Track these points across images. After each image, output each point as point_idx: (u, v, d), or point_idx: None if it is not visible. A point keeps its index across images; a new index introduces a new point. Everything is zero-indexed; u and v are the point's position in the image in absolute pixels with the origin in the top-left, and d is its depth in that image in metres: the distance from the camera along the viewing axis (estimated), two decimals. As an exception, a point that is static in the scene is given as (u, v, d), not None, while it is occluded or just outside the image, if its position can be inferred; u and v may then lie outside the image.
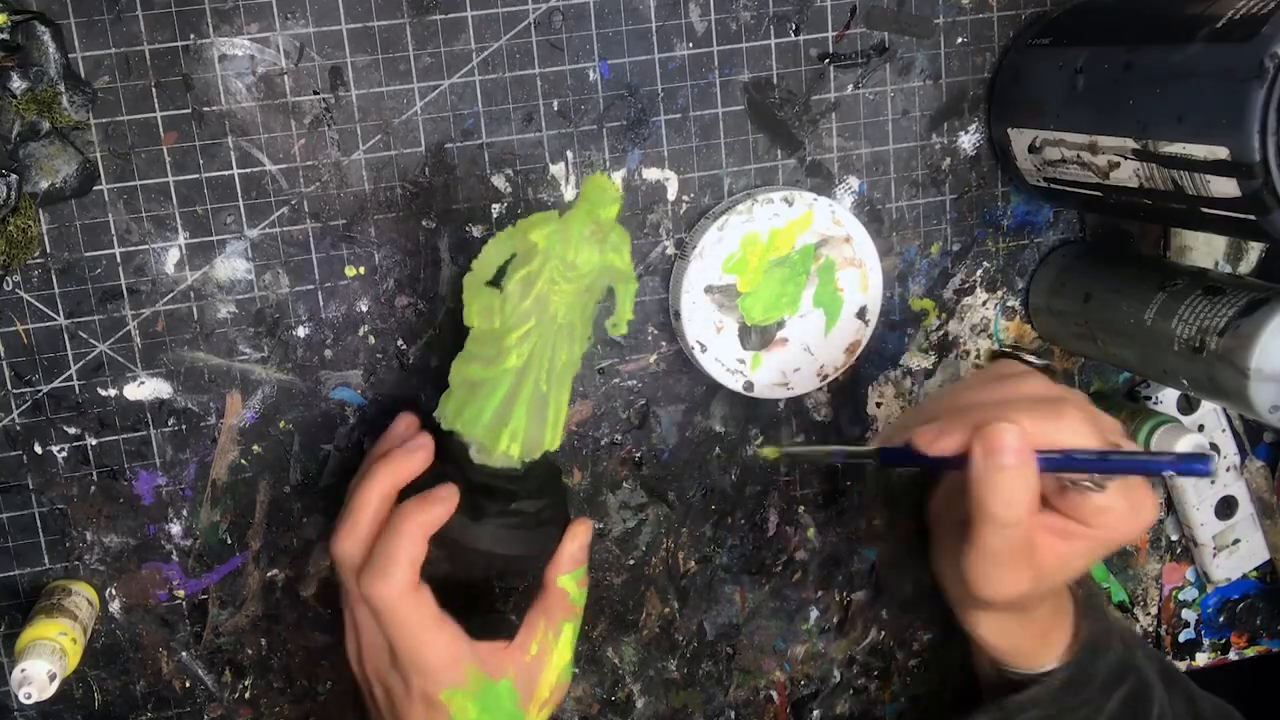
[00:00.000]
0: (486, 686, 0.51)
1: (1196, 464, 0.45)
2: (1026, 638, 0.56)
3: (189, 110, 0.54)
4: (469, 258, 0.59)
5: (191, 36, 0.54)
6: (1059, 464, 0.46)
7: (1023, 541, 0.48)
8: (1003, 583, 0.49)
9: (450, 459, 0.52)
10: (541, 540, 0.53)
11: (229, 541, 0.60)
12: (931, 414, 0.50)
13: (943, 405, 0.51)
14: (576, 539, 0.54)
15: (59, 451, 0.57)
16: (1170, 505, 0.73)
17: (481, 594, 0.59)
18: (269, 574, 0.61)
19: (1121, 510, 0.48)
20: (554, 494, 0.54)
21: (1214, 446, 0.65)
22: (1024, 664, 0.57)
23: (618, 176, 0.60)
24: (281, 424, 0.59)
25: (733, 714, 0.70)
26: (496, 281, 0.51)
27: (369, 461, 0.53)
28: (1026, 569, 0.49)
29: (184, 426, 0.58)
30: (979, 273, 0.66)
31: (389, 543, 0.48)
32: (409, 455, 0.51)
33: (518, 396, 0.51)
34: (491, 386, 0.51)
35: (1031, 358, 0.52)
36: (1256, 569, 0.75)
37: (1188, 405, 0.69)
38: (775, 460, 0.53)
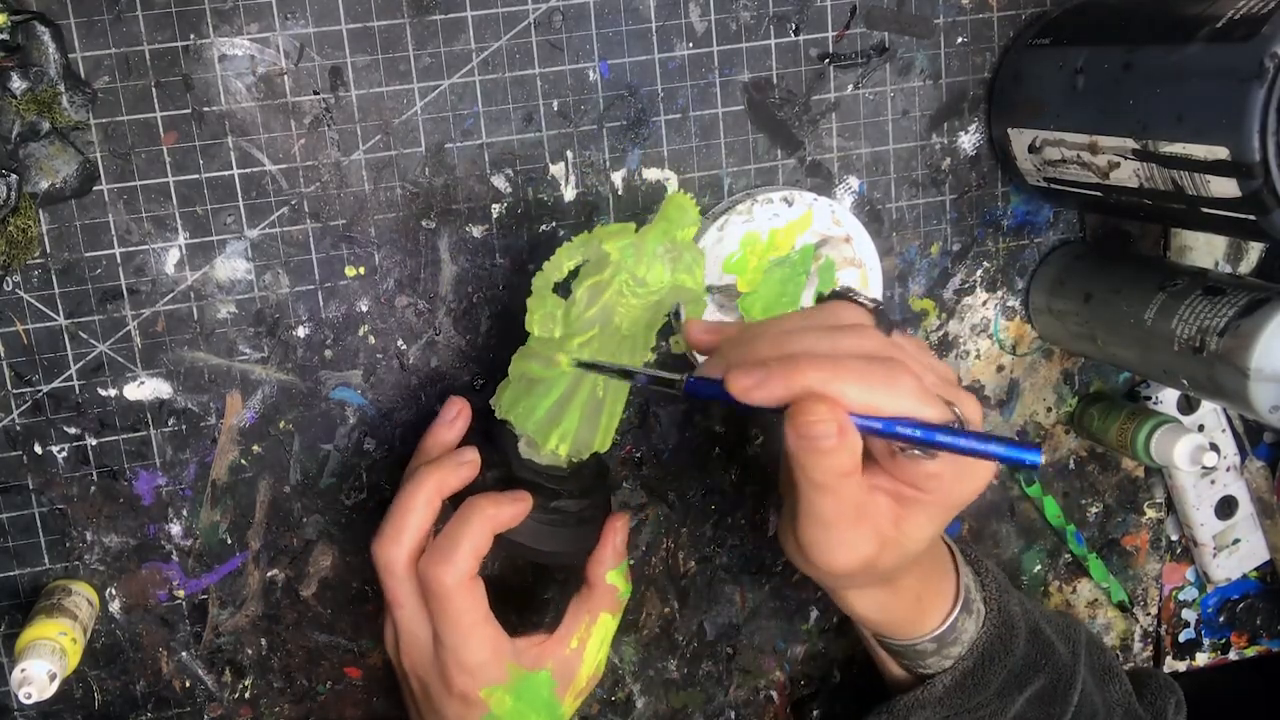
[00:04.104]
0: (525, 679, 0.51)
1: (1026, 453, 0.42)
2: (900, 607, 0.54)
3: (189, 110, 0.54)
4: (469, 258, 0.59)
5: (191, 36, 0.54)
6: (881, 433, 0.43)
7: (853, 505, 0.45)
8: (840, 548, 0.46)
9: (499, 447, 0.52)
10: (581, 539, 0.53)
11: (229, 541, 0.60)
12: (751, 351, 0.45)
13: (764, 344, 0.45)
14: (618, 533, 0.54)
15: (59, 451, 0.57)
16: (1170, 505, 0.73)
17: (519, 587, 0.60)
18: (269, 574, 0.61)
19: (952, 475, 0.46)
20: (598, 494, 0.54)
21: (1214, 446, 0.65)
22: (903, 634, 0.55)
23: (617, 177, 0.60)
24: (281, 424, 0.59)
25: (733, 714, 0.70)
26: (565, 287, 0.51)
27: (417, 458, 0.54)
28: (865, 533, 0.46)
29: (184, 426, 0.58)
30: (979, 273, 0.66)
31: (456, 531, 0.49)
32: (457, 468, 0.51)
33: (573, 399, 0.51)
34: (548, 386, 0.51)
35: (864, 299, 0.48)
36: (1256, 569, 0.75)
37: (1188, 405, 0.69)
38: (574, 369, 0.50)
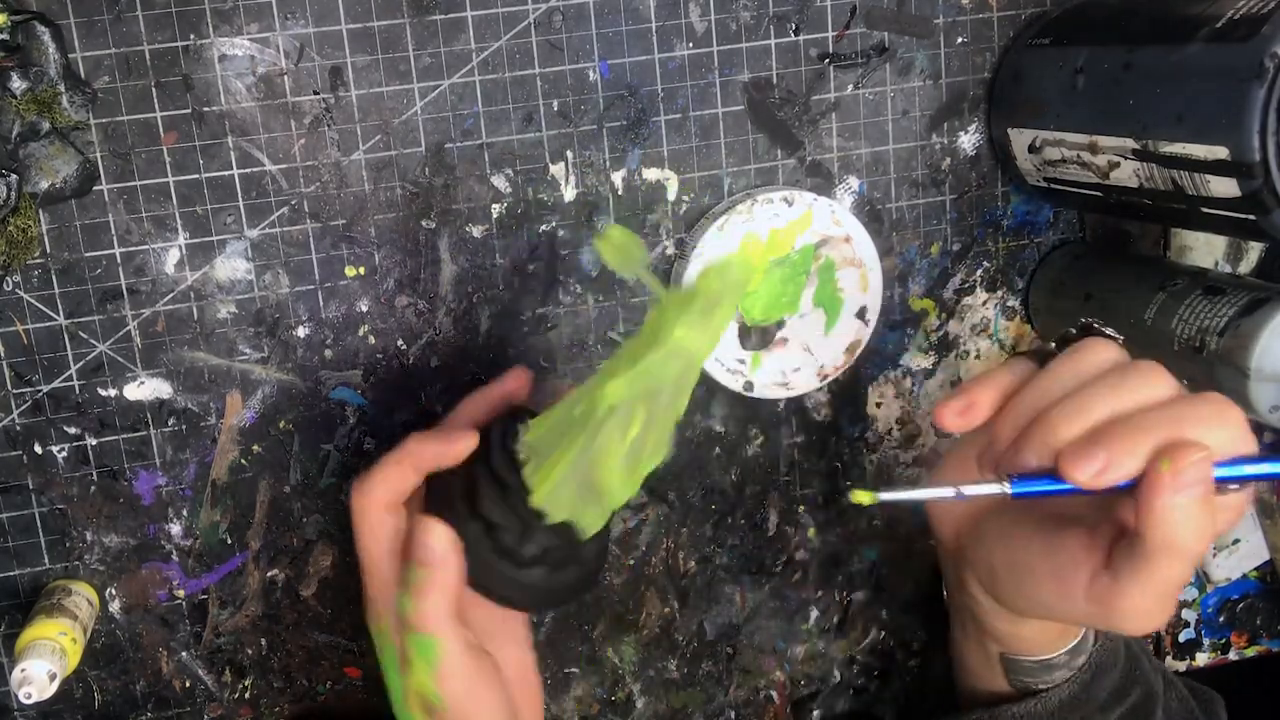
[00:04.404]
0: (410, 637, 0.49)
1: None
2: (1046, 634, 0.53)
3: (189, 110, 0.54)
4: (469, 258, 0.59)
5: (191, 36, 0.54)
6: (1237, 478, 0.41)
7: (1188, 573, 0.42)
8: (1158, 616, 0.43)
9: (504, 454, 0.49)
10: (538, 596, 0.50)
11: (229, 541, 0.60)
12: (1054, 429, 0.42)
13: (1062, 416, 0.42)
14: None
15: (59, 451, 0.57)
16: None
17: None
18: (269, 574, 0.61)
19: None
20: (574, 552, 0.49)
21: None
22: (1041, 651, 0.54)
23: (617, 177, 0.60)
24: (281, 424, 0.59)
25: (733, 714, 0.70)
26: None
27: (451, 419, 0.53)
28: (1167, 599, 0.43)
29: (184, 426, 0.58)
30: (979, 273, 0.66)
31: (385, 457, 0.49)
32: (442, 441, 0.49)
33: (575, 470, 0.46)
34: (570, 440, 0.46)
35: (1111, 331, 0.46)
36: (1256, 569, 0.75)
37: (1188, 405, 0.69)
38: (869, 504, 0.46)
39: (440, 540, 0.47)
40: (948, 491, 0.44)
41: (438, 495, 0.49)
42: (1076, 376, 0.44)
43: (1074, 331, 0.47)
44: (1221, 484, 0.41)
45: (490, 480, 0.48)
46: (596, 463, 0.45)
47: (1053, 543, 0.46)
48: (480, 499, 0.48)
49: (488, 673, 0.49)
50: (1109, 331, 0.46)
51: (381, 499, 0.49)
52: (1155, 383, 0.43)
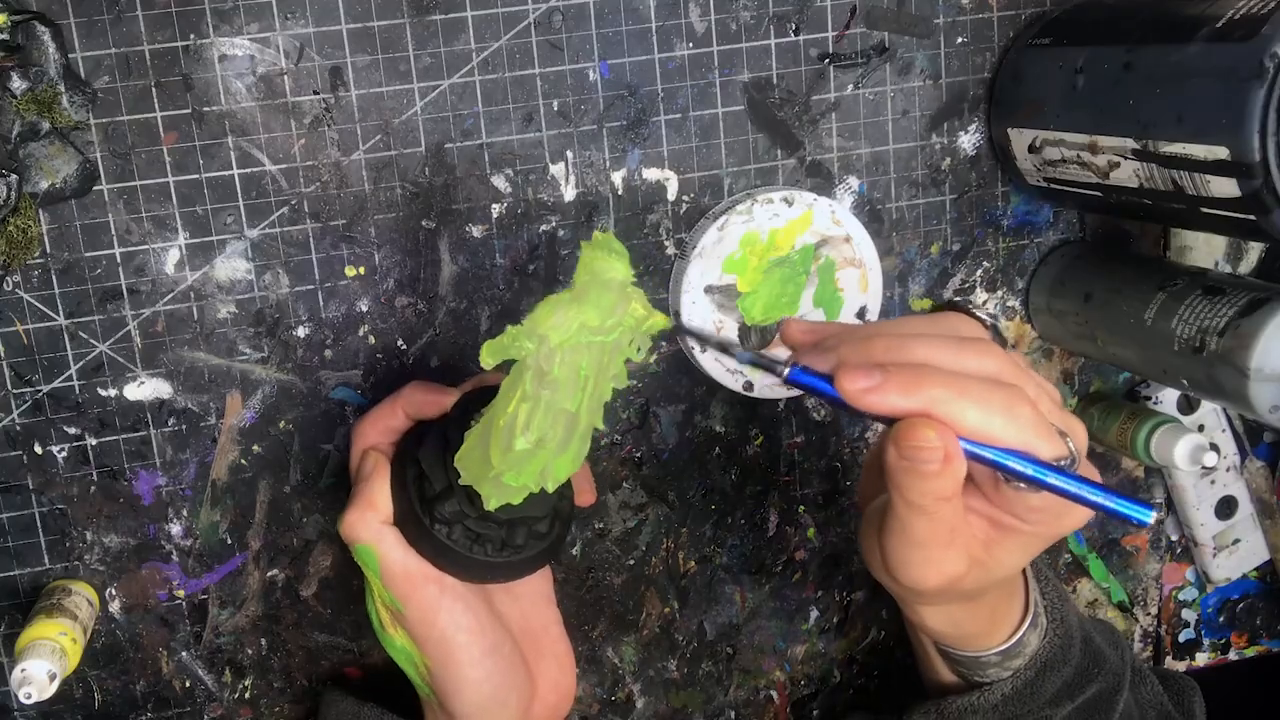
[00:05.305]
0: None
1: (1138, 509, 0.40)
2: (974, 623, 0.53)
3: (189, 110, 0.54)
4: (469, 258, 0.59)
5: (191, 36, 0.54)
6: (990, 464, 0.41)
7: (947, 527, 0.43)
8: (928, 566, 0.44)
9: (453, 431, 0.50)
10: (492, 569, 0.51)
11: (229, 541, 0.60)
12: (866, 350, 0.43)
13: (880, 345, 0.43)
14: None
15: (59, 451, 0.57)
16: (1170, 505, 0.73)
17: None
18: (269, 574, 0.61)
19: (1055, 510, 0.44)
20: (489, 528, 0.50)
21: (1214, 446, 0.65)
22: (970, 647, 0.54)
23: (617, 177, 0.60)
24: (281, 424, 0.59)
25: (733, 714, 0.70)
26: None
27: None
28: (955, 554, 0.44)
29: (184, 426, 0.58)
30: (979, 273, 0.66)
31: (385, 398, 0.53)
32: (438, 391, 0.52)
33: (480, 439, 0.47)
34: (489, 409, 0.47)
35: (983, 314, 0.45)
36: (1256, 569, 0.75)
37: (1188, 405, 0.69)
38: (671, 331, 0.46)
39: (368, 461, 0.52)
40: (739, 350, 0.45)
41: (406, 437, 0.52)
42: (919, 328, 0.44)
43: (952, 303, 0.47)
44: (991, 466, 0.41)
45: (439, 434, 0.50)
46: (488, 435, 0.46)
47: (885, 507, 0.46)
48: (424, 447, 0.50)
49: (449, 585, 0.50)
50: (979, 314, 0.45)
51: (370, 432, 0.53)
52: (983, 358, 0.43)
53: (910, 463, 0.41)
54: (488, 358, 0.44)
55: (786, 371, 0.44)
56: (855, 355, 0.43)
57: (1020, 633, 0.54)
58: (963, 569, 0.45)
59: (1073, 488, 0.41)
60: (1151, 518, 0.40)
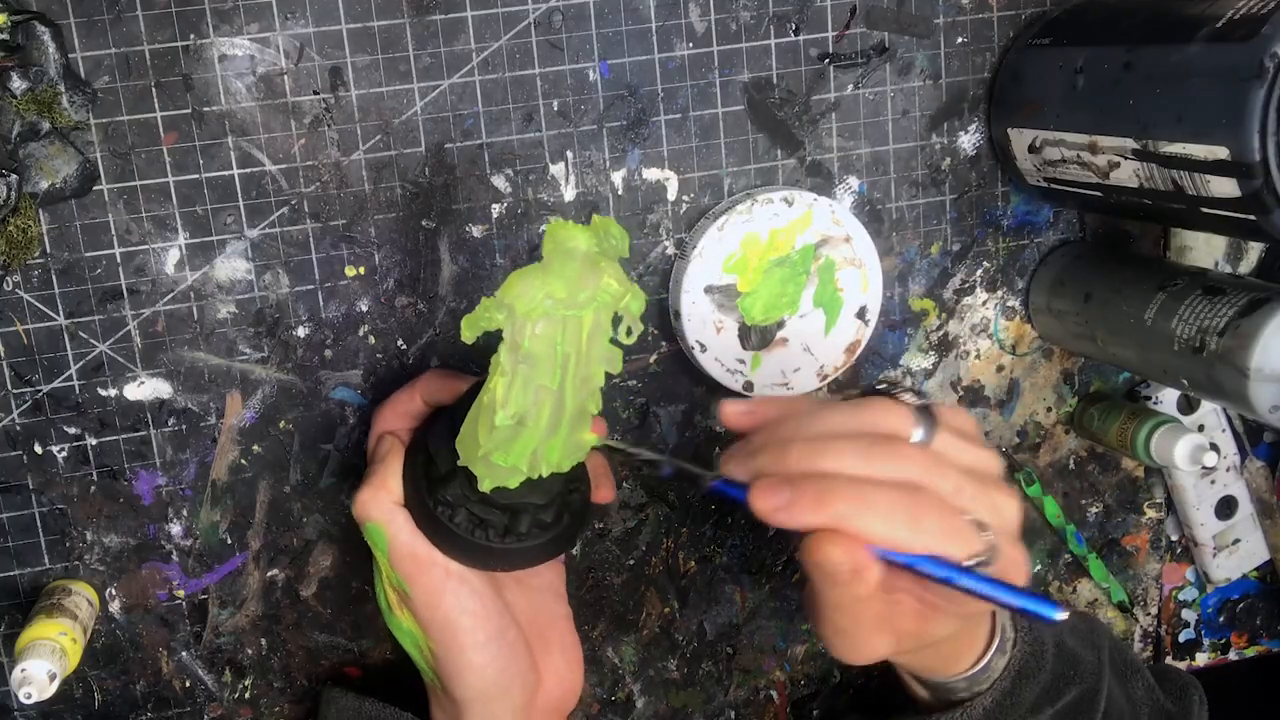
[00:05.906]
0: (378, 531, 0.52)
1: (1045, 607, 0.41)
2: (935, 658, 0.53)
3: (189, 110, 0.54)
4: (469, 258, 0.59)
5: (191, 36, 0.54)
6: (903, 567, 0.42)
7: (871, 618, 0.45)
8: (860, 649, 0.46)
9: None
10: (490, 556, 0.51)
11: (229, 541, 0.60)
12: (781, 460, 0.44)
13: (794, 454, 0.44)
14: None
15: (59, 451, 0.57)
16: (1170, 505, 0.73)
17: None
18: (269, 574, 0.61)
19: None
20: (491, 515, 0.50)
21: (1214, 446, 0.65)
22: (935, 675, 0.55)
23: (617, 177, 0.60)
24: (281, 424, 0.59)
25: (733, 714, 0.70)
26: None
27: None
28: (884, 637, 0.46)
29: (184, 426, 0.58)
30: (979, 273, 0.66)
31: (405, 384, 0.55)
32: (454, 377, 0.53)
33: (471, 422, 0.47)
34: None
35: (910, 396, 0.46)
36: (1256, 569, 0.75)
37: (1188, 405, 0.69)
38: (598, 448, 0.49)
39: (384, 444, 0.53)
40: (665, 461, 0.49)
41: (422, 423, 0.53)
42: (842, 424, 0.45)
43: (877, 389, 0.48)
44: (903, 569, 0.42)
45: (447, 418, 0.51)
46: (477, 414, 0.47)
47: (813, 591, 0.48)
48: (432, 432, 0.51)
49: (456, 569, 0.51)
50: (907, 397, 0.47)
51: (388, 416, 0.54)
52: (893, 461, 0.43)
53: (822, 571, 0.42)
54: (466, 331, 0.46)
55: (709, 485, 0.46)
56: (771, 465, 0.44)
57: (986, 659, 0.54)
58: (892, 647, 0.47)
59: (980, 589, 0.42)
60: (1059, 616, 0.41)
